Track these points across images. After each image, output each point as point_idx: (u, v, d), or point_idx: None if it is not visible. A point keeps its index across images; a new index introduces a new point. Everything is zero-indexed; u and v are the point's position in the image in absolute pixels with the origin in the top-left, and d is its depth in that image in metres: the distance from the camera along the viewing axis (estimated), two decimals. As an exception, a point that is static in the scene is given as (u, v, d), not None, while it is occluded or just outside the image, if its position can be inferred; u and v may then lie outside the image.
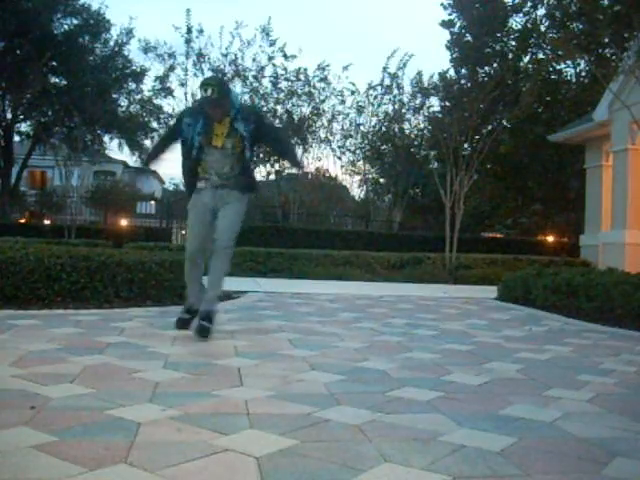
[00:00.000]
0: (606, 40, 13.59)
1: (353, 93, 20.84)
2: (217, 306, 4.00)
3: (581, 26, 15.71)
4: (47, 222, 21.48)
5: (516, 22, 19.74)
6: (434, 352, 3.60)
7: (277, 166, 17.94)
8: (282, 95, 19.01)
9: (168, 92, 13.52)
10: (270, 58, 14.21)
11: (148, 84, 21.00)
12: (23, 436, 1.79)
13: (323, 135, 21.05)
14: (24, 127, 23.00)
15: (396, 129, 20.76)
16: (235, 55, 13.01)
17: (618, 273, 6.41)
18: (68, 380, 2.49)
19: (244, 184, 3.99)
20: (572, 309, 5.97)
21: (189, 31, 12.45)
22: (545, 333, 4.76)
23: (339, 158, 21.77)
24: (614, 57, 14.11)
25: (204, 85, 3.79)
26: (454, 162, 13.13)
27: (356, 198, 25.04)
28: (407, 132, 20.86)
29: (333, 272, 11.32)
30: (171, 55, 12.90)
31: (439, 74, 18.68)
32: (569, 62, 18.53)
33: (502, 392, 2.64)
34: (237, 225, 3.96)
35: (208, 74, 12.66)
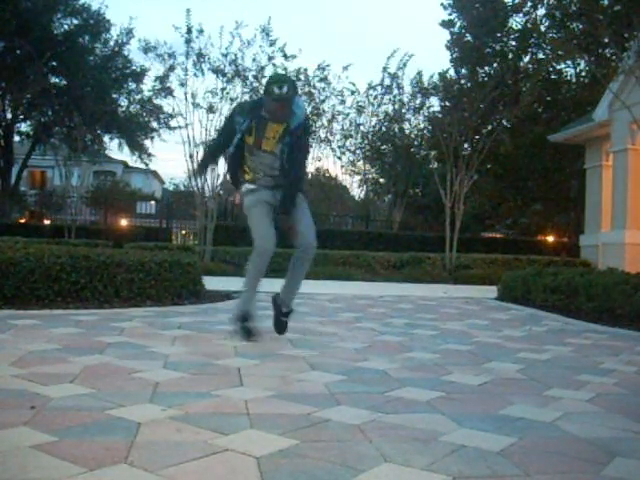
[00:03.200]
0: (606, 40, 13.57)
1: (353, 93, 20.91)
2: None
3: (581, 26, 15.70)
4: (47, 222, 21.50)
5: (516, 22, 19.75)
6: (434, 352, 3.60)
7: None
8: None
9: (168, 92, 13.50)
10: (270, 58, 14.18)
11: (148, 84, 21.00)
12: (23, 436, 1.79)
13: (323, 135, 21.10)
14: (24, 127, 23.06)
15: (396, 129, 20.79)
16: (235, 55, 12.98)
17: (618, 273, 6.41)
18: (68, 380, 2.49)
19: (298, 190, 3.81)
20: (572, 309, 5.97)
21: (189, 31, 12.41)
22: (545, 333, 4.76)
23: (339, 158, 21.83)
24: (614, 57, 14.11)
25: (279, 82, 3.57)
26: (454, 162, 13.14)
27: (356, 198, 25.07)
28: (407, 132, 20.89)
29: (333, 272, 11.34)
30: (171, 55, 12.86)
31: (439, 74, 18.73)
32: (569, 62, 18.53)
33: (502, 392, 2.64)
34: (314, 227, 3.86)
35: (208, 74, 12.65)
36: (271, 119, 3.66)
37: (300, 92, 18.98)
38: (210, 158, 4.62)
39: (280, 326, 3.93)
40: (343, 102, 20.82)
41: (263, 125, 3.67)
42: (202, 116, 12.51)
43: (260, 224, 3.75)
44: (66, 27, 20.93)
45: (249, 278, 3.82)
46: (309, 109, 19.91)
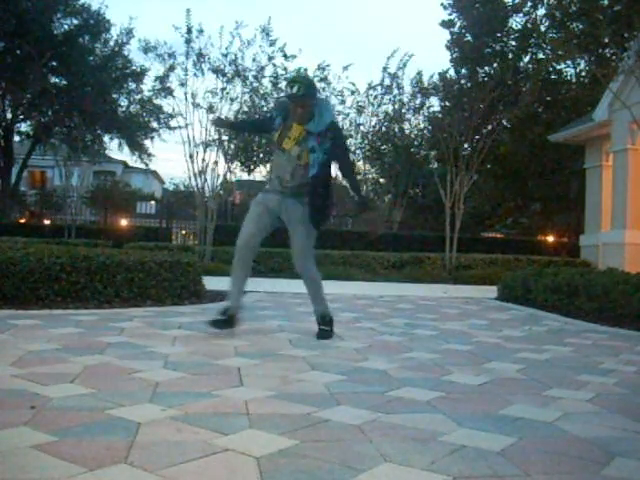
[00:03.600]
0: (606, 40, 13.58)
1: (353, 93, 20.88)
2: (329, 314, 4.08)
3: (581, 26, 15.69)
4: (47, 222, 21.48)
5: (516, 22, 19.74)
6: (434, 352, 3.60)
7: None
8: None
9: (168, 92, 13.49)
10: (270, 58, 14.15)
11: (148, 84, 20.98)
12: (23, 436, 1.79)
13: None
14: (24, 127, 23.01)
15: (396, 129, 20.77)
16: (235, 55, 12.95)
17: (618, 273, 6.41)
18: (68, 380, 2.49)
19: (310, 209, 3.78)
20: (572, 309, 5.97)
21: (189, 31, 12.39)
22: (545, 333, 4.76)
23: (339, 158, 21.77)
24: (614, 57, 14.11)
25: (291, 82, 3.74)
26: (454, 162, 13.13)
27: (356, 199, 25.02)
28: (407, 132, 20.87)
29: (333, 272, 11.32)
30: (171, 55, 12.84)
31: (439, 74, 18.69)
32: (569, 62, 18.52)
33: (502, 392, 2.64)
34: (308, 248, 3.89)
35: (208, 74, 12.63)
36: (294, 119, 3.77)
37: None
38: (233, 125, 5.38)
39: (321, 335, 3.96)
40: (343, 102, 20.79)
41: (290, 124, 3.80)
42: (202, 116, 12.53)
43: (247, 222, 3.91)
44: (66, 27, 20.89)
45: (231, 271, 3.95)
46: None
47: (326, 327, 4.02)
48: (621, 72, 10.08)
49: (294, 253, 3.92)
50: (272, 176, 3.93)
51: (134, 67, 21.66)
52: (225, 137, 13.53)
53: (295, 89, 3.64)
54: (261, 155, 20.24)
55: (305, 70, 19.78)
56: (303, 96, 3.65)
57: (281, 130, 3.81)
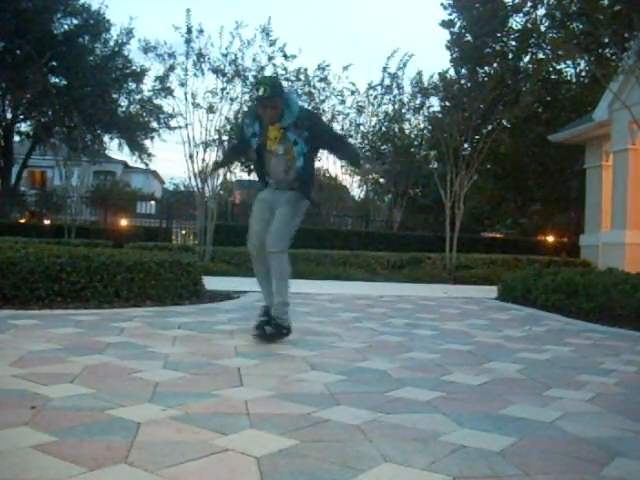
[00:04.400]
0: (606, 40, 13.59)
1: (353, 93, 20.86)
2: (286, 314, 3.75)
3: (581, 26, 15.71)
4: (47, 222, 21.48)
5: (516, 22, 19.76)
6: (434, 352, 3.60)
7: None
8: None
9: (168, 92, 13.49)
10: (270, 58, 14.14)
11: (148, 84, 20.97)
12: (23, 436, 1.79)
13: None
14: (24, 127, 23.02)
15: (396, 129, 20.76)
16: (235, 55, 12.94)
17: (618, 273, 6.41)
18: (68, 380, 2.49)
19: (299, 189, 3.87)
20: (572, 309, 5.97)
21: (189, 31, 12.38)
22: (545, 333, 4.76)
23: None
24: (614, 57, 14.12)
25: (257, 84, 3.76)
26: (454, 162, 13.13)
27: (356, 198, 25.03)
28: (407, 132, 20.86)
29: (333, 272, 11.33)
30: (171, 55, 12.83)
31: (439, 74, 18.68)
32: (569, 62, 18.53)
33: (502, 392, 2.64)
34: (286, 229, 3.78)
35: (208, 74, 12.63)
36: (267, 121, 3.78)
37: (300, 92, 18.99)
38: (223, 162, 5.64)
39: (269, 334, 3.67)
40: (343, 102, 20.77)
41: (266, 127, 3.82)
42: (202, 116, 12.50)
43: (251, 222, 3.96)
44: (66, 27, 20.90)
45: (255, 276, 4.00)
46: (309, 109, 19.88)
47: (271, 329, 3.69)
48: (621, 72, 10.08)
49: (271, 231, 3.75)
50: (268, 177, 3.97)
51: (134, 67, 21.68)
52: (225, 137, 13.53)
53: (261, 91, 3.61)
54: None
55: (305, 70, 19.81)
56: (270, 97, 3.63)
57: (263, 134, 3.82)
